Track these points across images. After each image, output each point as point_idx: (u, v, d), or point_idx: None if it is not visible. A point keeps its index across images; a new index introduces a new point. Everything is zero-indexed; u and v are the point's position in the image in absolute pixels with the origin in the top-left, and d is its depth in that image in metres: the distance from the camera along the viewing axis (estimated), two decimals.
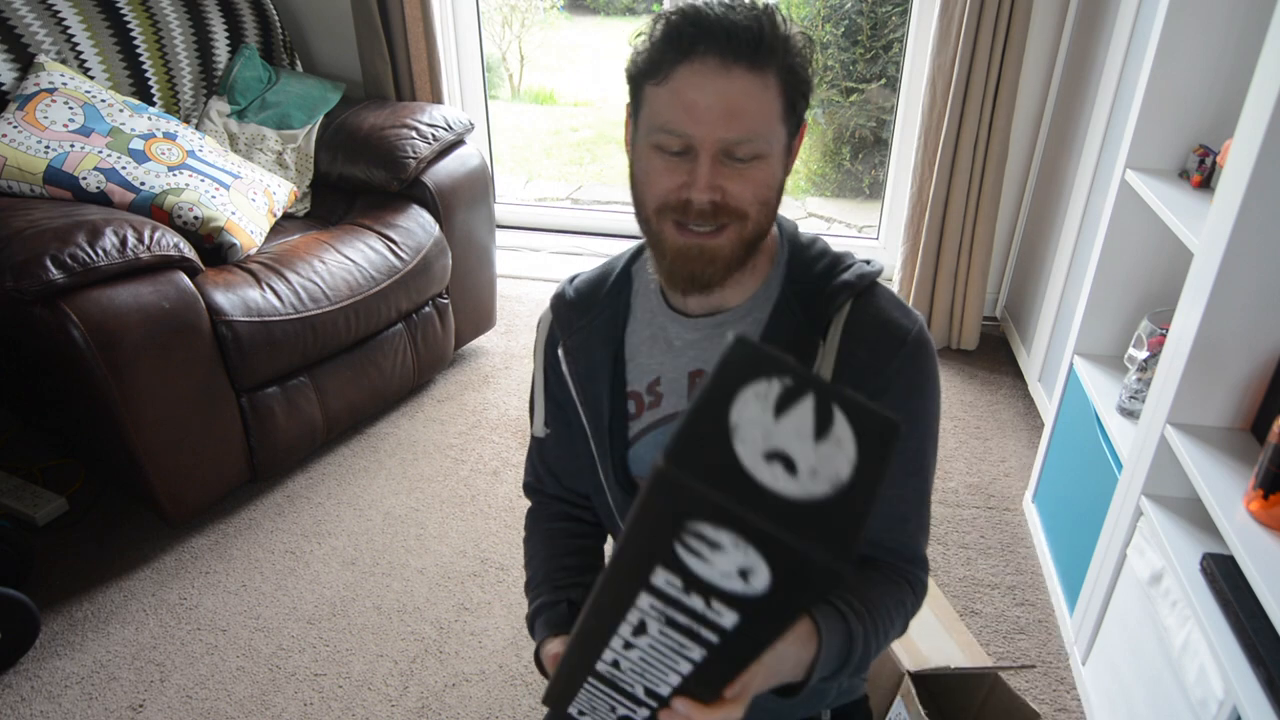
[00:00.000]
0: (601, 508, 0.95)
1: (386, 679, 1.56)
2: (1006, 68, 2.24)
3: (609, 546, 1.07)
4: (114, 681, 1.55)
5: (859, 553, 0.82)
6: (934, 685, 1.28)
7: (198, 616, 1.69)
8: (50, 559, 1.80)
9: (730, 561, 0.42)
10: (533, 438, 0.99)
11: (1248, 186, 1.08)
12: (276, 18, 2.50)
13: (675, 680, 0.56)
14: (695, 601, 0.47)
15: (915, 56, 2.58)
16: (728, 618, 0.47)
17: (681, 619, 0.49)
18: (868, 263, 0.84)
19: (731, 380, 0.43)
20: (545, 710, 1.04)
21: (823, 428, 0.43)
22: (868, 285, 0.82)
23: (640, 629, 0.52)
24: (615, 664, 0.58)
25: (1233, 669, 1.03)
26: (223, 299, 1.75)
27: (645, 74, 0.72)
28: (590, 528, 1.00)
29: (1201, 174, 1.44)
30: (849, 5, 3.45)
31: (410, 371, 2.26)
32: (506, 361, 2.56)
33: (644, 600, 0.49)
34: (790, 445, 0.42)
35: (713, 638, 0.49)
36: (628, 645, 0.54)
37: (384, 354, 2.15)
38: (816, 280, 0.82)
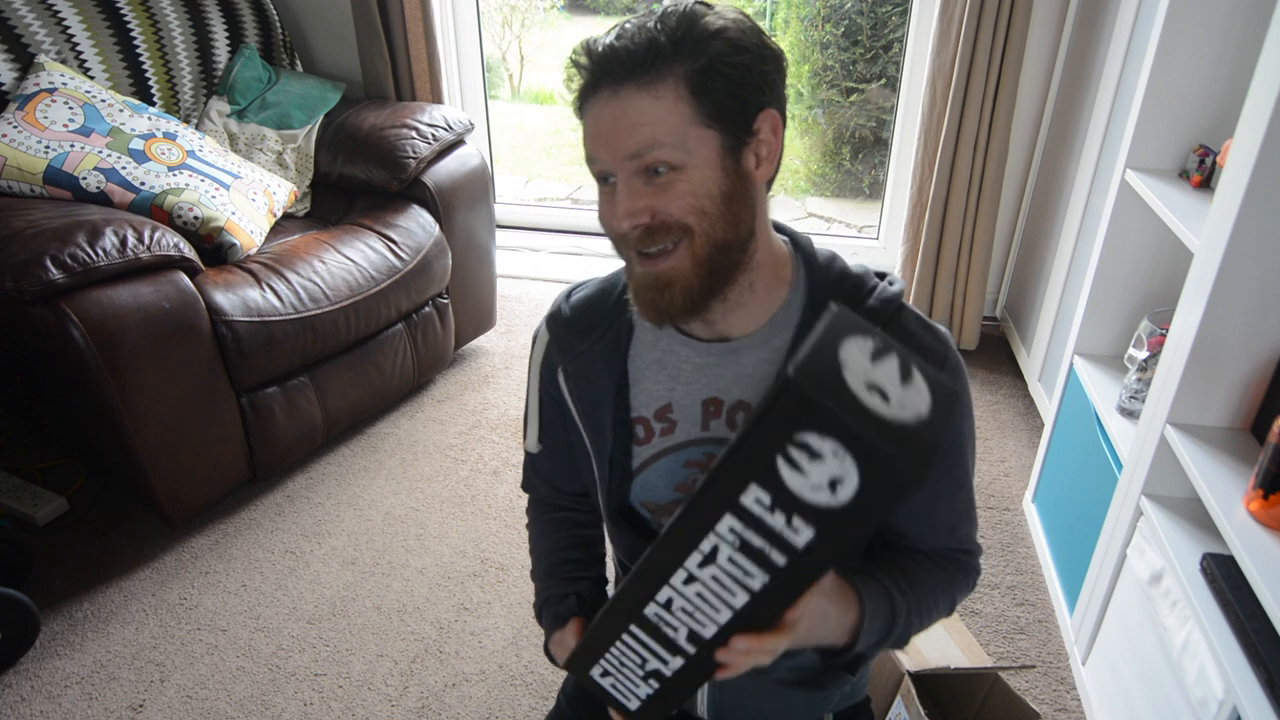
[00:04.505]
0: (594, 541, 0.96)
1: (386, 679, 1.56)
2: (1006, 68, 2.24)
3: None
4: (114, 681, 1.55)
5: (911, 546, 0.86)
6: (934, 685, 1.28)
7: (198, 616, 1.69)
8: (50, 559, 1.80)
9: (825, 472, 0.52)
10: (526, 450, 0.99)
11: (1248, 186, 1.08)
12: (276, 18, 2.50)
13: (724, 618, 0.62)
14: (777, 520, 0.55)
15: (915, 56, 2.58)
16: (803, 535, 0.55)
17: (756, 541, 0.56)
18: (888, 280, 0.81)
19: (839, 330, 0.54)
20: (545, 711, 1.04)
21: (905, 377, 0.54)
22: (894, 310, 0.79)
23: (708, 559, 0.59)
24: (668, 604, 0.64)
25: (1233, 669, 1.03)
26: (223, 299, 1.75)
27: (576, 114, 0.75)
28: (591, 517, 1.01)
29: (1201, 174, 1.44)
30: (849, 5, 3.45)
31: (410, 371, 2.26)
32: (506, 361, 2.56)
33: (725, 524, 0.56)
34: (884, 382, 0.52)
35: (780, 560, 0.57)
36: (689, 579, 0.61)
37: (384, 354, 2.15)
38: None
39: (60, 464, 2.06)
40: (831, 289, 0.80)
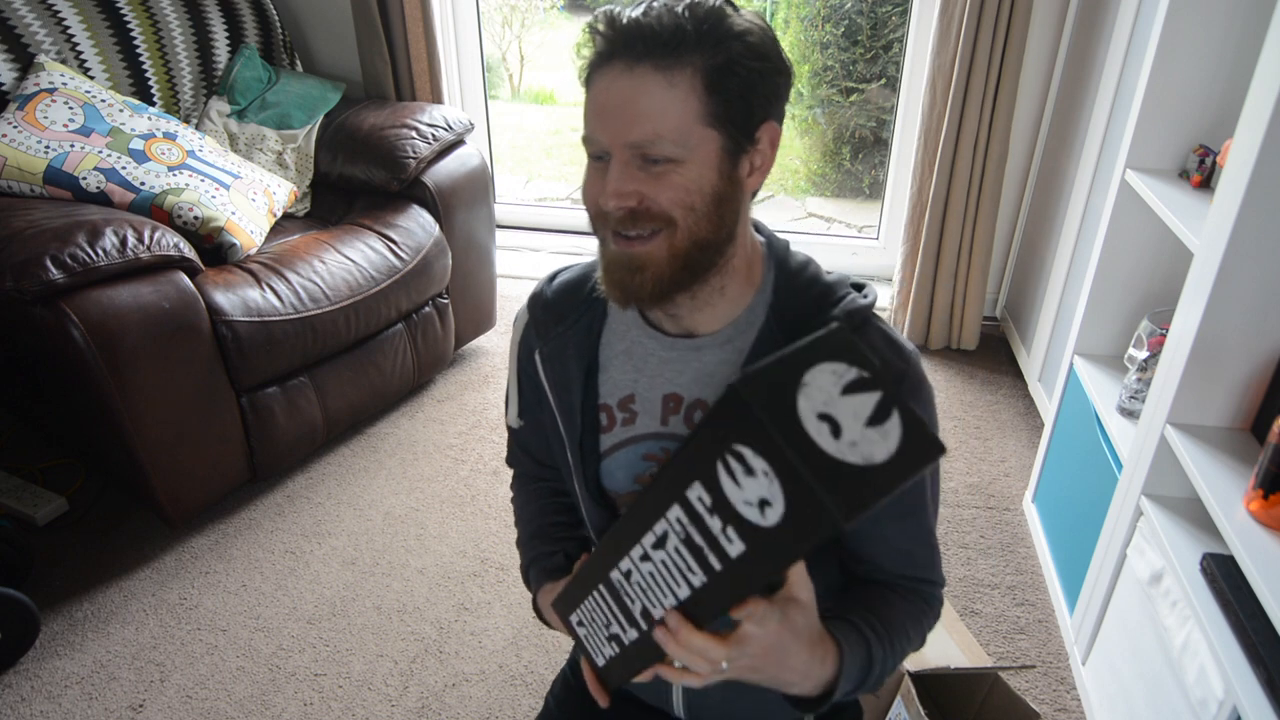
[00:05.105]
0: (576, 505, 0.96)
1: (386, 679, 1.56)
2: (1006, 68, 2.24)
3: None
4: (114, 681, 1.55)
5: (872, 578, 0.84)
6: (934, 685, 1.28)
7: (198, 616, 1.69)
8: (50, 559, 1.80)
9: (756, 489, 0.49)
10: (509, 426, 1.00)
11: (1248, 186, 1.08)
12: (276, 18, 2.50)
13: (671, 604, 0.62)
14: (714, 523, 0.53)
15: (915, 56, 2.58)
16: (735, 547, 0.53)
17: (697, 538, 0.56)
18: (862, 292, 0.81)
19: (819, 353, 0.50)
20: (541, 710, 1.05)
21: (879, 418, 0.48)
22: (859, 323, 0.79)
23: (660, 542, 0.59)
24: (628, 574, 0.65)
25: (1233, 669, 1.03)
26: (223, 299, 1.75)
27: (583, 83, 0.74)
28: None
29: (1201, 174, 1.44)
30: (849, 5, 3.44)
31: (410, 371, 2.26)
32: (506, 361, 2.56)
33: (673, 512, 0.56)
34: (843, 417, 0.48)
35: (716, 564, 0.55)
36: (644, 557, 0.62)
37: (384, 354, 2.15)
38: (804, 313, 0.79)
39: (60, 464, 2.06)
40: (798, 295, 0.80)
